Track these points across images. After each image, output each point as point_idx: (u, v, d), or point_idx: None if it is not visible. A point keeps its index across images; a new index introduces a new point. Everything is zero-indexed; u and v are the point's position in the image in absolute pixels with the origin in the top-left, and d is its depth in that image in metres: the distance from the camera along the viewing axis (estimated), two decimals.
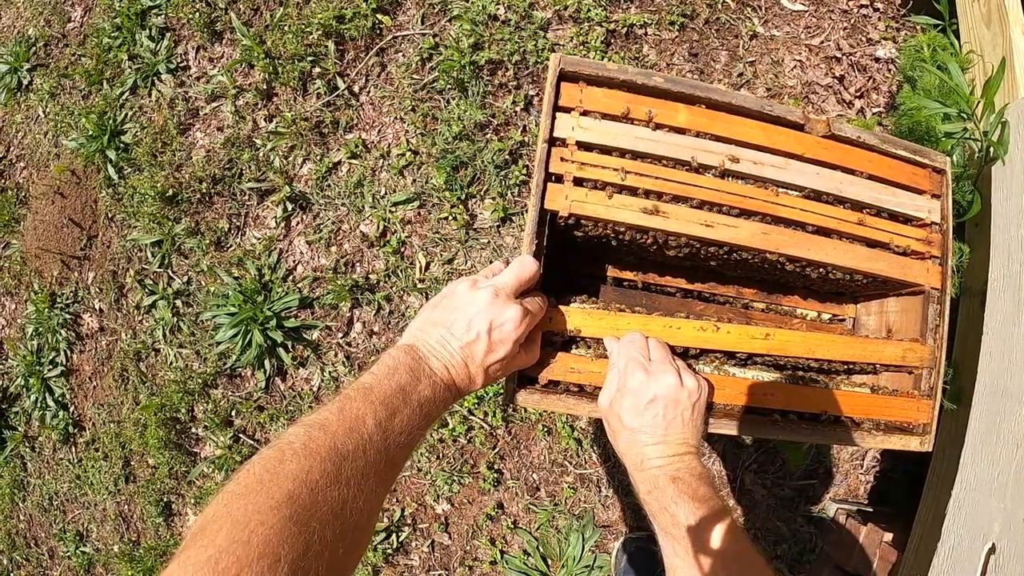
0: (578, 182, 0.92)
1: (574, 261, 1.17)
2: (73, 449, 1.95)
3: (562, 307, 0.89)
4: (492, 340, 0.70)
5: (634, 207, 0.93)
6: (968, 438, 1.29)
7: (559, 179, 0.92)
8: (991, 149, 1.37)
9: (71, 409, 1.94)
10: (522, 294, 0.78)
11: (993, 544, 1.24)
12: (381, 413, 0.58)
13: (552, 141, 0.92)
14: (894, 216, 1.04)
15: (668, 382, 0.75)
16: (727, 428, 0.92)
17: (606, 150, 0.93)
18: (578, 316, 0.89)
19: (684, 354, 1.05)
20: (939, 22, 1.63)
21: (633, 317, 0.91)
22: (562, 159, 0.91)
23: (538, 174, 0.90)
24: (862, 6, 1.70)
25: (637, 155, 0.93)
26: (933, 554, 1.31)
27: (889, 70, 1.68)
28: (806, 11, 1.67)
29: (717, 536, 0.64)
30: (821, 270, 1.05)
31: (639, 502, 0.73)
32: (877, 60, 1.68)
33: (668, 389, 0.74)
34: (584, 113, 0.93)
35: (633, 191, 0.93)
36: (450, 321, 0.70)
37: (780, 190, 1.00)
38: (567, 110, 0.92)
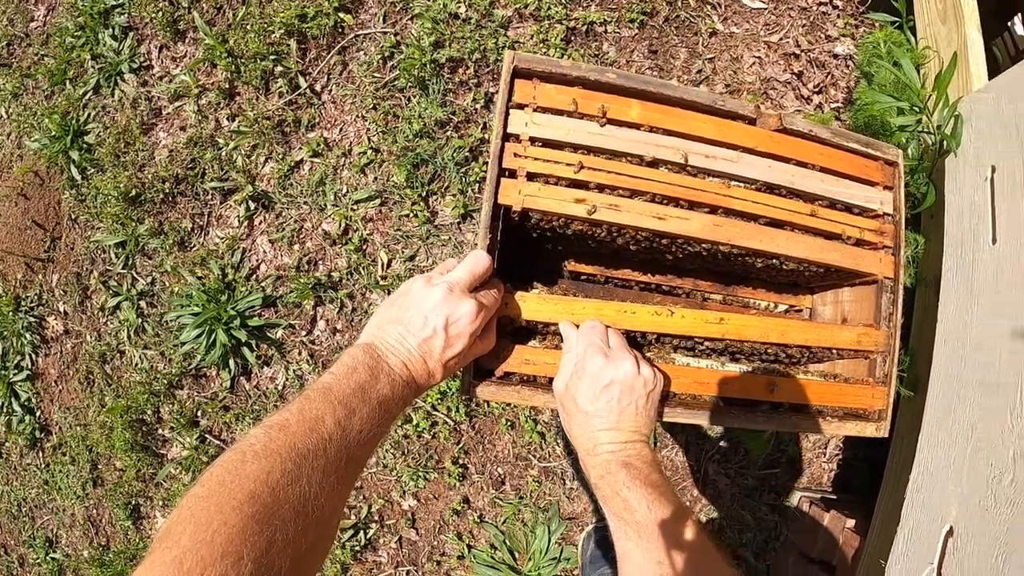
0: (531, 177, 0.91)
1: (533, 256, 1.16)
2: (40, 454, 1.90)
3: (519, 293, 0.88)
4: (449, 335, 0.69)
5: (586, 200, 0.92)
6: (924, 424, 1.29)
7: (513, 174, 0.91)
8: (944, 142, 1.38)
9: (37, 413, 1.90)
10: (477, 288, 0.78)
11: (951, 527, 1.24)
12: (340, 412, 0.58)
13: (506, 137, 0.91)
14: (847, 208, 1.04)
15: (626, 368, 0.75)
16: (682, 417, 0.91)
17: (559, 145, 0.92)
18: (534, 302, 0.88)
19: (639, 340, 1.05)
20: (896, 19, 1.63)
21: (588, 302, 0.90)
22: (516, 155, 0.91)
23: (492, 169, 0.89)
24: (821, 3, 1.70)
25: (590, 150, 0.93)
26: (893, 538, 1.31)
27: (847, 66, 1.68)
28: (765, 8, 1.66)
29: (669, 521, 0.64)
30: (774, 261, 1.04)
31: (591, 487, 0.72)
32: (835, 56, 1.68)
33: (625, 375, 0.74)
34: (538, 109, 0.92)
35: (586, 185, 0.93)
36: (407, 318, 0.70)
37: (732, 183, 1.00)
38: (521, 106, 0.91)
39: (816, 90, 1.64)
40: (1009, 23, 1.77)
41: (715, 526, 1.54)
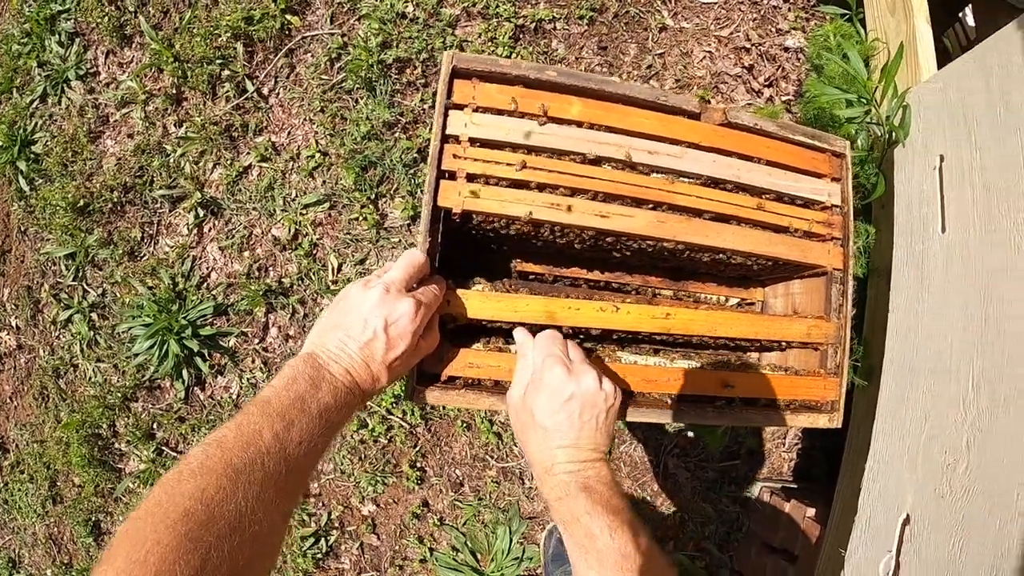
0: (471, 178, 0.87)
1: (480, 257, 1.11)
2: None
3: (461, 291, 0.84)
4: (390, 336, 0.67)
5: (527, 201, 0.87)
6: (878, 413, 1.26)
7: (452, 176, 0.86)
8: (893, 133, 1.33)
9: None
10: (416, 287, 0.75)
11: (908, 515, 1.21)
12: (278, 425, 0.56)
13: (445, 138, 0.86)
14: (795, 200, 1.00)
15: (588, 383, 0.70)
16: (631, 415, 0.87)
17: (499, 145, 0.88)
18: (477, 299, 0.84)
19: (586, 337, 0.99)
20: (847, 11, 1.60)
21: (532, 299, 0.85)
22: (455, 156, 0.86)
23: (431, 172, 0.85)
24: None
25: (531, 149, 0.88)
26: (852, 527, 1.27)
27: (798, 59, 1.63)
28: (716, 3, 1.61)
29: (632, 551, 0.61)
30: (721, 256, 1.01)
31: (545, 506, 0.67)
32: (786, 50, 1.63)
33: (587, 389, 0.69)
34: (478, 109, 0.87)
35: (527, 185, 0.88)
36: (347, 324, 0.67)
37: (677, 179, 0.96)
38: (460, 107, 0.87)
39: (767, 83, 1.59)
40: (960, 14, 1.73)
41: (677, 519, 1.48)
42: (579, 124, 0.90)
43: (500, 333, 0.97)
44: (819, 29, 1.60)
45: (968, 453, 1.07)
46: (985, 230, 1.08)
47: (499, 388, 0.85)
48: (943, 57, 1.22)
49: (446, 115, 0.86)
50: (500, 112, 0.88)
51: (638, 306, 0.90)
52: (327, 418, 0.60)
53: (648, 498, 1.48)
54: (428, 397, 0.82)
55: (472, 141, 0.87)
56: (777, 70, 1.61)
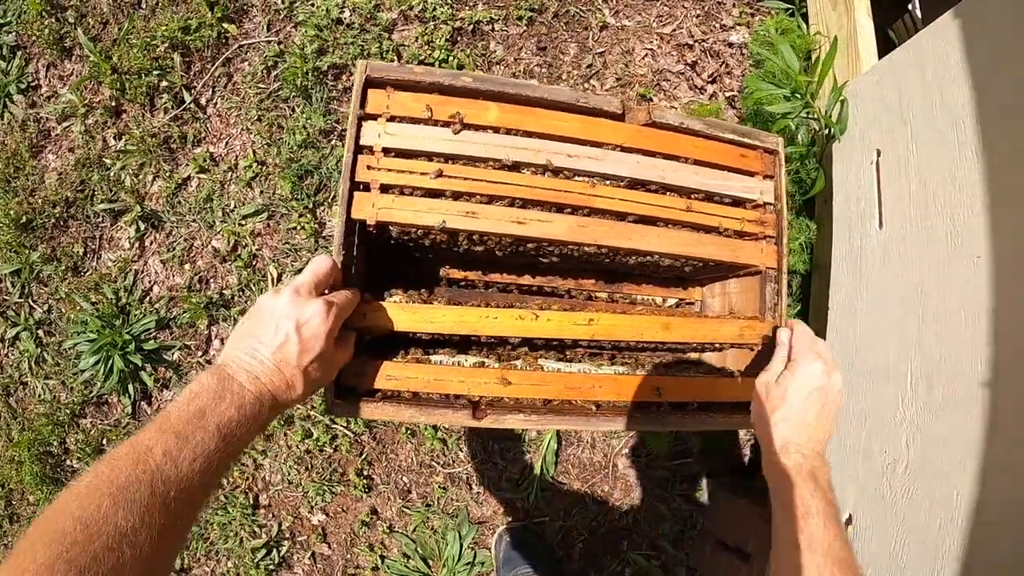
0: (385, 189, 0.83)
1: (407, 265, 1.05)
2: None
3: (376, 303, 0.80)
4: (303, 337, 0.64)
5: (442, 210, 0.83)
6: None
7: (367, 187, 0.82)
8: (830, 128, 1.28)
9: None
10: (329, 292, 0.73)
11: (850, 515, 1.17)
12: (171, 442, 0.53)
13: (359, 149, 0.82)
14: (725, 199, 0.95)
15: (837, 380, 0.75)
16: (553, 424, 0.84)
17: (413, 155, 0.84)
18: (393, 311, 0.80)
19: (501, 346, 0.94)
20: (791, 6, 1.54)
21: (448, 309, 0.82)
22: (369, 167, 0.82)
23: (344, 184, 0.81)
24: None
25: (447, 157, 0.84)
26: None
27: (742, 54, 1.57)
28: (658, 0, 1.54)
29: (839, 546, 0.62)
30: (648, 258, 0.96)
31: (767, 476, 0.71)
32: (730, 45, 1.57)
33: (835, 385, 0.74)
34: (392, 119, 0.83)
35: (442, 194, 0.84)
36: (258, 331, 0.64)
37: (599, 181, 0.91)
38: (374, 117, 0.83)
39: (710, 79, 1.53)
40: (909, 6, 1.67)
41: (630, 519, 1.43)
42: (496, 130, 0.86)
43: (419, 344, 0.92)
44: (762, 24, 1.54)
45: (908, 452, 1.02)
46: (921, 226, 1.03)
47: (418, 400, 0.81)
48: (889, 50, 1.16)
49: (359, 126, 0.82)
50: (415, 121, 0.84)
51: (559, 313, 0.86)
52: (227, 432, 0.57)
53: (599, 498, 1.42)
54: (347, 411, 0.79)
55: (386, 151, 0.83)
56: (721, 66, 1.55)
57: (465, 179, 0.84)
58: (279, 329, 0.64)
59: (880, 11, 1.37)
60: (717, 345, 1.03)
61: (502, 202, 0.85)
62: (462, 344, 0.95)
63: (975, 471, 0.86)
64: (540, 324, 0.84)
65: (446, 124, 0.84)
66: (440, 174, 0.84)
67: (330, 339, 0.67)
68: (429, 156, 0.84)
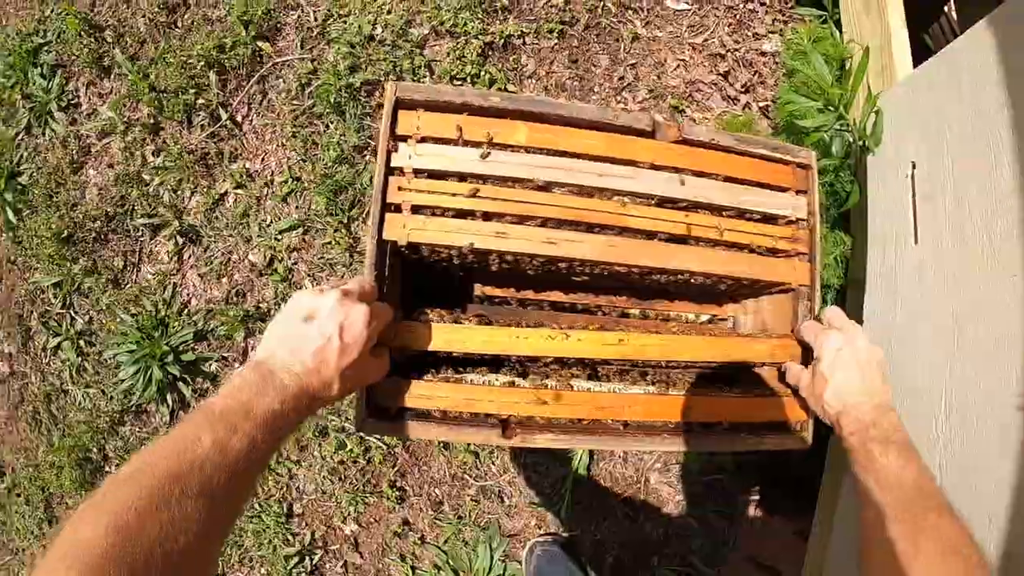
0: (416, 210, 0.86)
1: (443, 282, 1.11)
2: None
3: (408, 323, 0.83)
4: (344, 341, 0.67)
5: (473, 230, 0.86)
6: None
7: (398, 208, 0.85)
8: (864, 140, 1.31)
9: None
10: None
11: None
12: (220, 431, 0.55)
13: (390, 171, 0.85)
14: (757, 216, 0.97)
15: (861, 340, 0.81)
16: (583, 443, 0.86)
17: (444, 175, 0.87)
18: (423, 330, 0.83)
19: (533, 363, 0.98)
20: (823, 13, 1.57)
21: (477, 329, 0.85)
22: (400, 188, 0.85)
23: (375, 205, 0.84)
24: (748, 1, 1.63)
25: (477, 177, 0.87)
26: (830, 546, 1.26)
27: (775, 63, 1.61)
28: (689, 9, 1.59)
29: (911, 475, 0.66)
30: (678, 277, 0.98)
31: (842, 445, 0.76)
32: (763, 54, 1.61)
33: (861, 345, 0.80)
34: (422, 140, 0.86)
35: (473, 215, 0.87)
36: (301, 330, 0.67)
37: (628, 200, 0.94)
38: (404, 138, 0.86)
39: (743, 89, 1.57)
40: (945, 7, 1.69)
41: (660, 534, 1.48)
42: (526, 149, 0.88)
43: (449, 364, 0.97)
44: (794, 32, 1.58)
45: (940, 474, 1.04)
46: (956, 242, 1.04)
47: (447, 418, 0.84)
48: (926, 56, 1.16)
49: (390, 147, 0.85)
50: (445, 141, 0.87)
51: (589, 332, 0.88)
52: (271, 423, 0.60)
53: (630, 512, 1.48)
54: (378, 429, 0.82)
55: (417, 172, 0.86)
56: (754, 75, 1.59)
57: (495, 199, 0.87)
58: (323, 330, 0.66)
59: (915, 14, 1.39)
60: (749, 365, 1.06)
61: (532, 222, 0.88)
62: (493, 362, 1.00)
63: (1009, 495, 0.87)
64: (570, 344, 0.86)
65: (476, 144, 0.86)
66: (476, 193, 0.87)
67: (367, 347, 0.69)
68: (460, 176, 0.87)
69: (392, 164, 0.86)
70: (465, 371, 0.95)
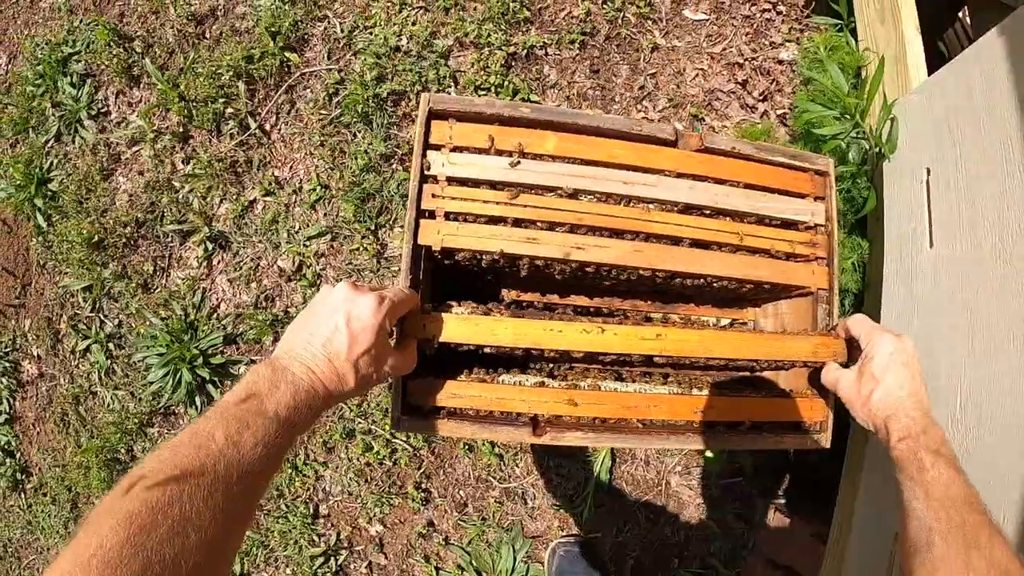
0: (449, 216, 0.93)
1: (471, 286, 1.17)
2: (22, 495, 1.92)
3: (437, 313, 0.85)
4: (352, 330, 0.68)
5: (504, 236, 0.93)
6: (871, 434, 1.31)
7: (432, 215, 0.93)
8: (880, 147, 1.39)
9: (17, 456, 1.92)
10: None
11: (896, 533, 1.24)
12: (232, 427, 0.57)
13: (424, 179, 0.92)
14: (777, 222, 1.04)
15: (910, 344, 0.83)
16: (610, 442, 0.92)
17: (476, 183, 0.94)
18: (453, 322, 0.85)
19: (566, 359, 1.04)
20: (839, 21, 1.65)
21: (510, 321, 0.87)
22: (433, 195, 0.93)
23: (410, 212, 0.91)
24: (764, 10, 1.72)
25: (508, 185, 0.94)
26: (848, 543, 1.33)
27: (792, 71, 1.69)
28: (707, 19, 1.68)
29: (957, 490, 0.67)
30: (701, 280, 1.05)
31: (892, 456, 0.76)
32: (780, 62, 1.69)
33: (910, 348, 0.82)
34: (455, 149, 0.93)
35: (504, 221, 0.94)
36: (312, 323, 0.70)
37: (653, 207, 1.00)
38: (438, 147, 0.93)
39: (761, 98, 1.66)
40: (960, 13, 1.77)
41: (681, 536, 1.56)
42: (554, 158, 0.95)
43: (482, 364, 1.00)
44: (811, 41, 1.67)
45: None
46: (971, 245, 1.10)
47: (480, 417, 0.90)
48: (941, 62, 1.22)
49: (424, 156, 0.92)
50: (477, 151, 0.94)
51: (625, 327, 0.90)
52: (284, 417, 0.61)
53: (651, 515, 1.55)
54: (413, 427, 0.88)
55: (450, 180, 0.93)
56: (771, 83, 1.68)
57: (526, 206, 0.93)
58: (330, 321, 0.68)
59: (930, 21, 1.46)
60: (788, 364, 1.04)
61: (561, 228, 0.94)
62: (522, 360, 1.08)
63: (1020, 496, 0.94)
64: (606, 338, 0.88)
65: (507, 153, 0.93)
66: (516, 197, 0.93)
67: (380, 334, 0.71)
68: (492, 184, 0.93)
69: (426, 172, 0.92)
70: (496, 372, 1.00)
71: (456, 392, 0.90)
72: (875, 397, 0.80)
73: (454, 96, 0.96)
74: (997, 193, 1.04)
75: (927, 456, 0.70)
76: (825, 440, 1.01)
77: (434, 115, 0.94)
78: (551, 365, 1.09)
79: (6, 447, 1.93)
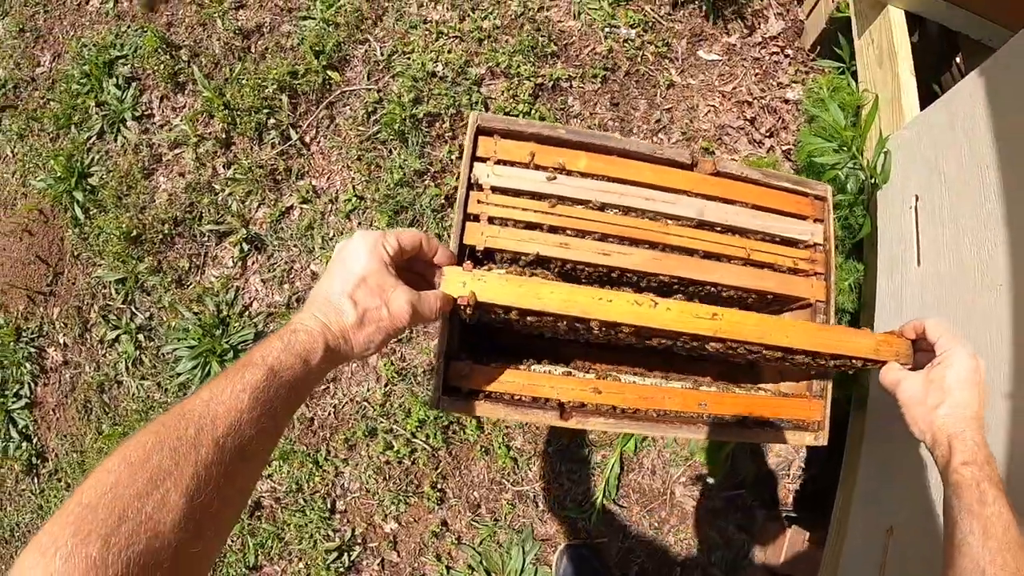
0: (492, 221, 1.07)
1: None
2: (36, 480, 2.02)
3: (479, 271, 0.88)
4: (343, 257, 0.71)
5: (539, 241, 1.08)
6: (866, 441, 1.44)
7: (476, 218, 1.07)
8: (874, 178, 1.59)
9: (34, 440, 2.02)
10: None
11: (891, 526, 1.33)
12: (214, 384, 0.58)
13: (471, 186, 1.07)
14: (780, 240, 1.19)
15: (982, 362, 0.83)
16: (627, 428, 1.04)
17: (517, 193, 1.09)
18: (495, 283, 0.88)
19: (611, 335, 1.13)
20: (842, 64, 1.86)
21: (556, 285, 0.88)
22: (479, 202, 1.07)
23: (458, 214, 1.05)
24: (773, 53, 1.94)
25: (544, 196, 1.09)
26: (844, 541, 1.46)
27: (798, 110, 1.90)
28: (720, 60, 1.90)
29: (1015, 533, 0.68)
30: (712, 290, 1.20)
31: (943, 472, 0.76)
32: (787, 102, 1.91)
33: (983, 367, 0.82)
34: (498, 162, 1.09)
35: (540, 227, 1.09)
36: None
37: (671, 222, 1.14)
38: (483, 160, 1.08)
39: (768, 134, 1.87)
40: (956, 59, 2.00)
41: (684, 546, 1.70)
42: (585, 175, 1.10)
43: (518, 352, 1.15)
44: (815, 82, 1.89)
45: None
46: (954, 263, 1.25)
47: (512, 400, 1.02)
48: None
49: (472, 167, 1.07)
50: (519, 164, 1.08)
51: (679, 303, 0.91)
52: (272, 361, 0.61)
53: (656, 523, 1.68)
54: (452, 406, 1.00)
55: (493, 189, 1.07)
56: (777, 121, 1.89)
57: (559, 215, 1.08)
58: (327, 268, 0.72)
59: (927, 66, 1.65)
60: (845, 359, 1.08)
61: (590, 236, 1.09)
62: (552, 352, 1.21)
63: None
64: (658, 313, 0.89)
65: (544, 169, 1.08)
66: (555, 206, 1.07)
67: (373, 260, 0.71)
68: (530, 195, 1.08)
69: (473, 181, 1.07)
70: (528, 363, 1.13)
71: (492, 376, 1.03)
72: (942, 411, 0.79)
73: (499, 116, 1.14)
74: (975, 215, 1.18)
75: (990, 489, 0.69)
76: (822, 438, 1.14)
77: (481, 131, 1.09)
78: (586, 357, 1.25)
79: (24, 431, 2.03)
